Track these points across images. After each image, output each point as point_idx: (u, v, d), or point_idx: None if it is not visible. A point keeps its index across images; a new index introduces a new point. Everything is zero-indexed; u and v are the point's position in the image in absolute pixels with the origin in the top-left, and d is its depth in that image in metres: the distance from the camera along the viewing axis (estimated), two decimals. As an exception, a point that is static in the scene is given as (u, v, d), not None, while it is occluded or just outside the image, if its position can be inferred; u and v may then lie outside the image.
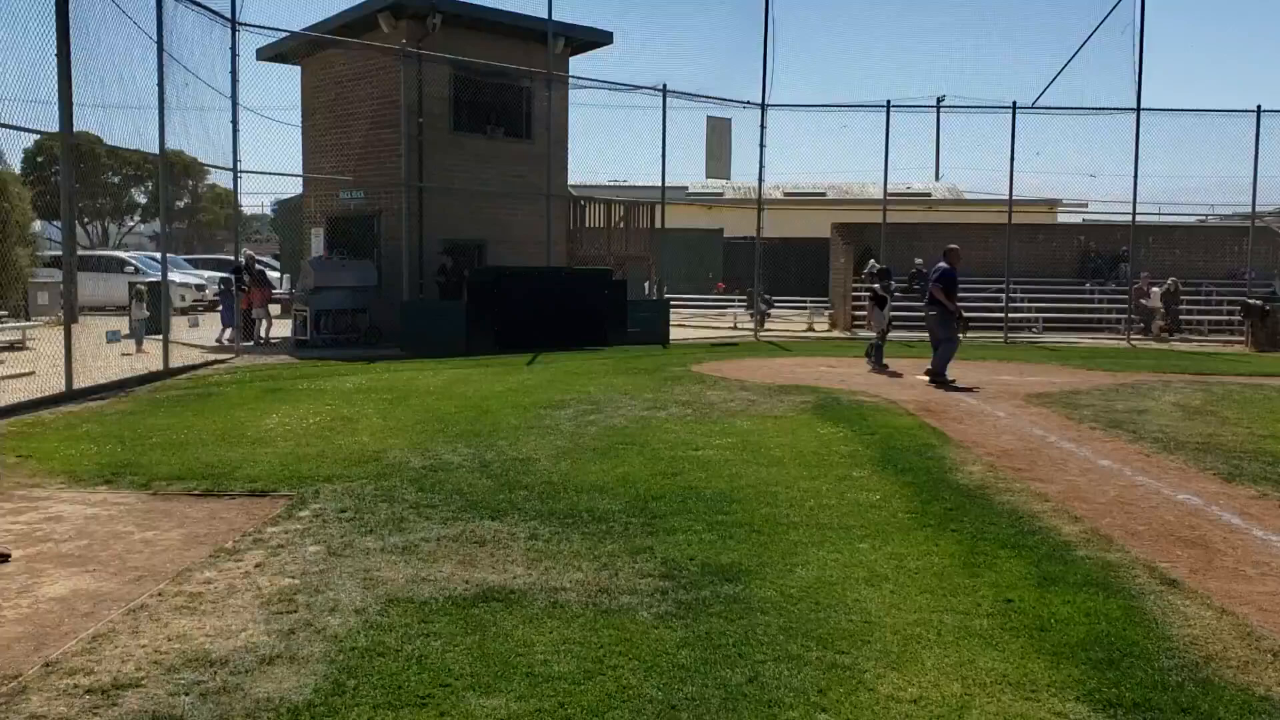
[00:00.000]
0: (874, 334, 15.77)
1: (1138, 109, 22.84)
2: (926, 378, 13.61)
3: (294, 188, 28.15)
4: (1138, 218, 24.01)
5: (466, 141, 21.05)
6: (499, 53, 20.58)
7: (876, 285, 16.24)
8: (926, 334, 13.96)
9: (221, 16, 16.02)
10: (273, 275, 26.92)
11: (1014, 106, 22.99)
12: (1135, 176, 22.78)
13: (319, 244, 21.33)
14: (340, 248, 20.58)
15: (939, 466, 8.01)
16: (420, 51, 19.34)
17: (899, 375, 14.64)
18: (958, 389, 13.03)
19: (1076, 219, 36.40)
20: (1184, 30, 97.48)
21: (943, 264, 13.62)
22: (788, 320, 28.04)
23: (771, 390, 12.51)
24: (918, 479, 7.53)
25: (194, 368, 14.98)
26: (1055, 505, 6.84)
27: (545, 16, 20.51)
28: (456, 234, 20.59)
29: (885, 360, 15.47)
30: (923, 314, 14.20)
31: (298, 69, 22.32)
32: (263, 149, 37.53)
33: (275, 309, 22.00)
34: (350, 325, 19.22)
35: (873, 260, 24.98)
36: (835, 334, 24.51)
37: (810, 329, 25.74)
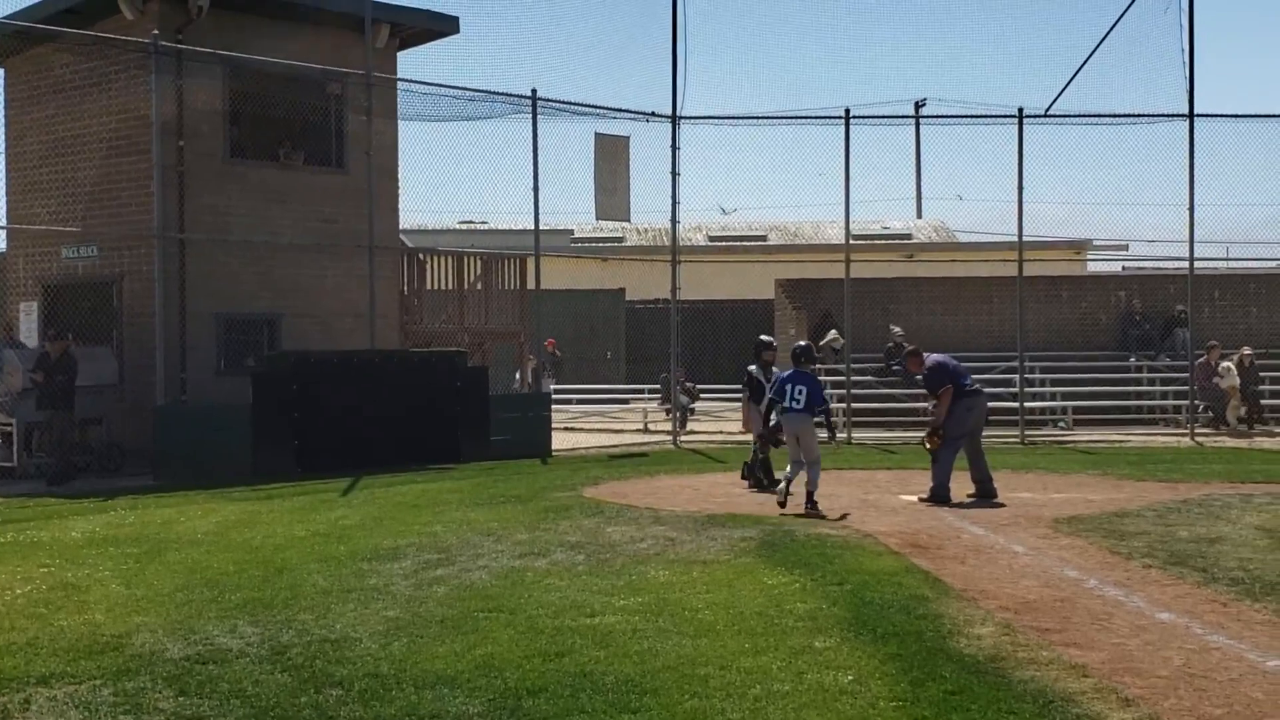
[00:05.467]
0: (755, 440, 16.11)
1: (1190, 115, 23.97)
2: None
3: (-6, 242, 27.53)
4: (1198, 264, 24.99)
5: (250, 173, 20.96)
6: (296, 47, 20.65)
7: (752, 366, 16.36)
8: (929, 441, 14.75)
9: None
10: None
11: (1020, 114, 23.87)
12: (1191, 208, 23.84)
13: (30, 324, 20.88)
14: (63, 330, 20.17)
15: (935, 630, 8.08)
16: (180, 46, 19.30)
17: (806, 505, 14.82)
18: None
19: (1114, 268, 37.82)
20: (1247, 9, 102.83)
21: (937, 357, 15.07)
22: (719, 418, 28.28)
23: (698, 523, 12.54)
24: (905, 649, 7.58)
25: None
26: (1098, 682, 6.95)
27: (361, -5, 20.76)
28: (236, 304, 20.42)
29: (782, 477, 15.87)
30: (909, 406, 14.91)
31: (-1, 73, 22.11)
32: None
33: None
34: (78, 444, 18.76)
35: (834, 331, 25.51)
36: (783, 437, 24.78)
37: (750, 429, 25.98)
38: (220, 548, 11.56)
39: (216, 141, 20.48)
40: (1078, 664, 7.28)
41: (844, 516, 13.09)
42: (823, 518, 12.94)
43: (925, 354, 15.30)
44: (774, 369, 16.06)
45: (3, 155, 21.72)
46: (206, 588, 9.69)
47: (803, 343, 15.07)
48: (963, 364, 15.40)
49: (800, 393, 13.61)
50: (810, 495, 13.34)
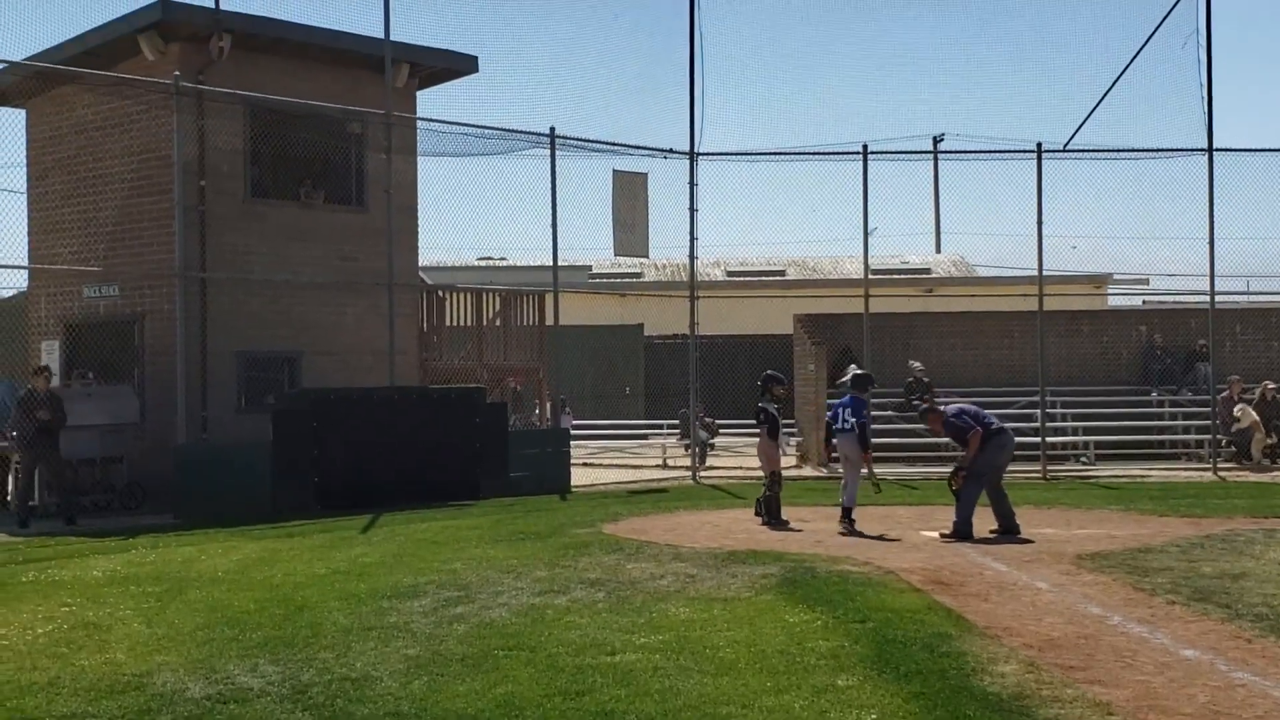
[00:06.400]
0: (767, 473, 16.40)
1: (1209, 149, 23.94)
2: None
3: (15, 282, 27.75)
4: (1219, 298, 24.91)
5: (270, 212, 21.09)
6: (316, 87, 20.86)
7: (762, 401, 16.72)
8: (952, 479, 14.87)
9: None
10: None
11: (1039, 149, 23.90)
12: (1211, 242, 23.78)
13: (53, 364, 20.96)
14: (84, 368, 20.29)
15: (958, 668, 8.04)
16: (201, 86, 19.46)
17: (879, 537, 14.79)
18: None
19: (1135, 302, 37.74)
20: (1264, 45, 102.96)
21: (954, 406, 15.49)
22: (738, 453, 28.21)
23: (718, 559, 12.50)
24: (929, 687, 7.55)
25: None
26: None
27: (381, 36, 20.89)
28: (257, 342, 20.52)
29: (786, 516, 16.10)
30: (930, 442, 15.31)
31: (21, 113, 22.24)
32: (-31, 225, 37.03)
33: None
34: (99, 482, 18.83)
35: (853, 365, 25.44)
36: (806, 472, 24.75)
37: (771, 466, 25.89)
38: (241, 586, 11.56)
39: (237, 181, 20.63)
40: (1102, 702, 7.24)
41: (881, 536, 14.28)
42: (856, 531, 14.62)
43: (941, 406, 15.46)
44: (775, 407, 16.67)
45: (25, 195, 21.91)
46: (227, 626, 9.69)
47: (859, 371, 16.79)
48: (979, 404, 15.53)
49: (851, 415, 15.25)
50: (848, 511, 14.88)
